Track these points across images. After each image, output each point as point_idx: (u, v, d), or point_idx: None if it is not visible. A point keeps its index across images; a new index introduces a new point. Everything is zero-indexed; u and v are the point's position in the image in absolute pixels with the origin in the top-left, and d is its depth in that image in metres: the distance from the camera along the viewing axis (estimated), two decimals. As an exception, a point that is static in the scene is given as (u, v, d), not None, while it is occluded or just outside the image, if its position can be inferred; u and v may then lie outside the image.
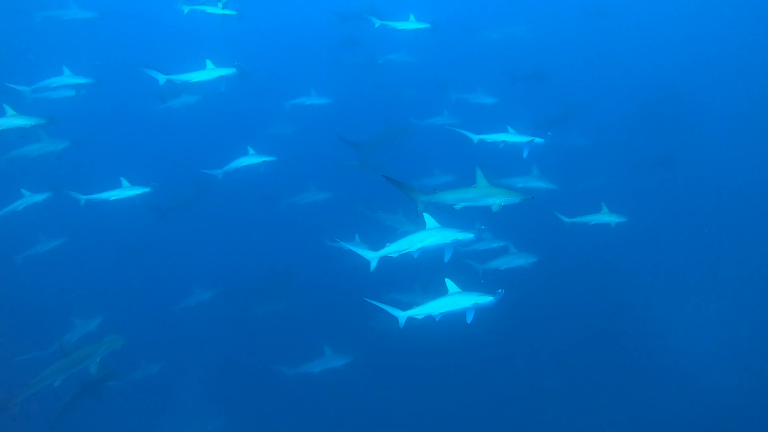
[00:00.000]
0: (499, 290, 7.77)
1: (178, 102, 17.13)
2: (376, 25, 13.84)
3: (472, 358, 12.90)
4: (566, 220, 11.15)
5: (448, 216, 8.14)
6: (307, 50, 24.43)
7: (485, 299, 7.70)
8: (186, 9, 13.20)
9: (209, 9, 13.04)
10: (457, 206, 8.04)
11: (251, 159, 13.12)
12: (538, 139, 10.80)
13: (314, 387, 12.00)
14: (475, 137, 10.61)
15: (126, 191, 11.09)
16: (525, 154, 10.97)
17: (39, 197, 11.60)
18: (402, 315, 7.83)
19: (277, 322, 13.93)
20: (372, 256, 8.05)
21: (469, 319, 7.91)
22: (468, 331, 8.19)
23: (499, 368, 13.18)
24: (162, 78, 11.29)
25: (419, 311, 7.85)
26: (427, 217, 8.01)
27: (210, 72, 11.51)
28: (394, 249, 7.99)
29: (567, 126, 17.47)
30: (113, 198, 11.07)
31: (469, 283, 8.12)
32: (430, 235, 7.89)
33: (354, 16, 20.10)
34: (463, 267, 10.77)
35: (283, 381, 11.96)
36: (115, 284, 15.84)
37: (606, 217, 11.15)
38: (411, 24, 13.89)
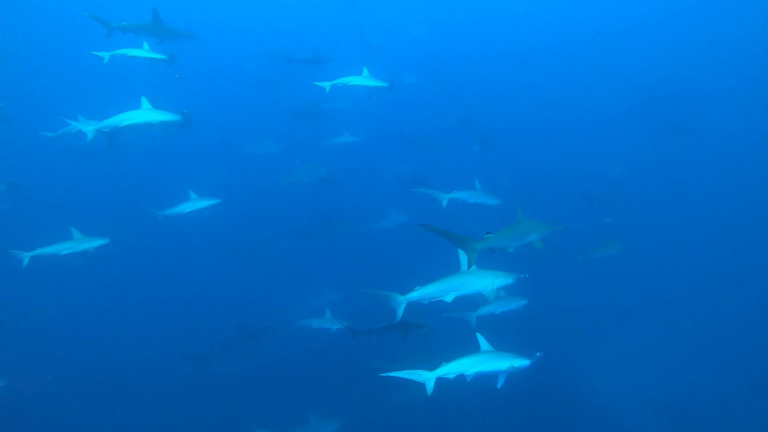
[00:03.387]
0: (537, 353, 7.20)
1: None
2: (327, 90, 11.61)
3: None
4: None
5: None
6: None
7: (521, 362, 7.10)
8: (106, 56, 11.23)
9: (133, 52, 11.33)
10: (510, 248, 7.31)
11: (196, 203, 12.27)
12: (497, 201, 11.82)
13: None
14: (445, 197, 11.01)
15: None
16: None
17: None
18: (429, 377, 6.94)
19: (245, 384, 12.42)
20: (399, 301, 7.06)
21: (500, 383, 7.27)
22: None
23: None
24: (90, 130, 9.83)
25: (449, 369, 7.03)
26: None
27: (147, 114, 9.91)
28: (425, 294, 7.08)
29: None
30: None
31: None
32: (469, 281, 7.17)
33: (297, 60, 19.88)
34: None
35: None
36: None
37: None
38: (366, 80, 11.70)
